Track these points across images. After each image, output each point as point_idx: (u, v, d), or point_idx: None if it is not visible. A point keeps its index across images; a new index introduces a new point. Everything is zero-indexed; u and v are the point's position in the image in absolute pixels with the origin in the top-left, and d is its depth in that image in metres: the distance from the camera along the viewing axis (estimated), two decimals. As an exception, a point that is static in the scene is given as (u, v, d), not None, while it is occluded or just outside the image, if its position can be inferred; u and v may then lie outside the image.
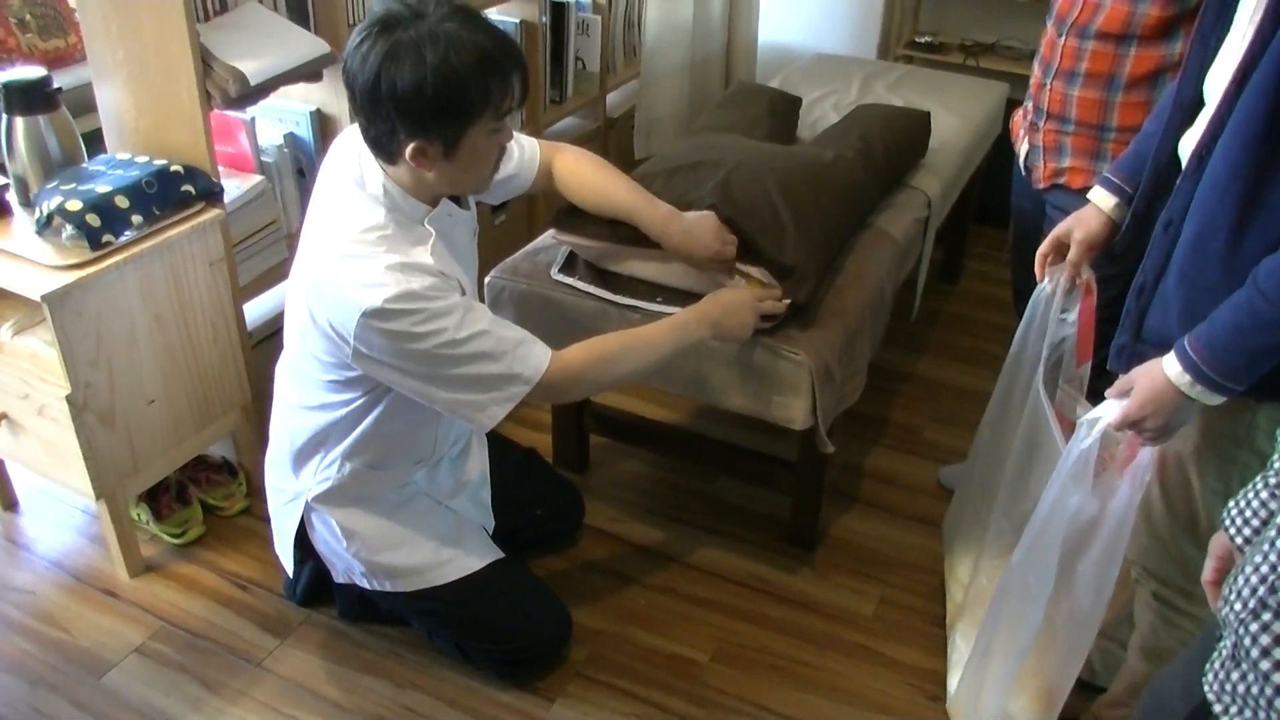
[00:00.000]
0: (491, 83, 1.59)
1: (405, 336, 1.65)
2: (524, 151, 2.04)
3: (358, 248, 1.66)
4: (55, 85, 2.13)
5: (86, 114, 2.32)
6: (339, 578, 2.09)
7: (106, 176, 2.09)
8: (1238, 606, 1.04)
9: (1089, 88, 2.03)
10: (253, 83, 2.18)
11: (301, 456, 1.98)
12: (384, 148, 1.66)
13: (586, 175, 2.08)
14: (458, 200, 1.84)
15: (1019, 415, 1.98)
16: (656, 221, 2.03)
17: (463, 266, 1.82)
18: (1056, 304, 1.92)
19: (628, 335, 1.89)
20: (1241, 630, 1.03)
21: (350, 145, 1.77)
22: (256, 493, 2.48)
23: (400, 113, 1.57)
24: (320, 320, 1.73)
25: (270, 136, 2.48)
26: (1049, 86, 2.09)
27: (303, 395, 1.93)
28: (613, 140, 3.68)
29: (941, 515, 2.56)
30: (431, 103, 1.56)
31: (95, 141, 2.31)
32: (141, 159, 2.17)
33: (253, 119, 2.37)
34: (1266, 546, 1.02)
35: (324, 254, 1.71)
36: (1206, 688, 1.10)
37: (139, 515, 2.42)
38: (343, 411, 1.88)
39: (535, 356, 1.76)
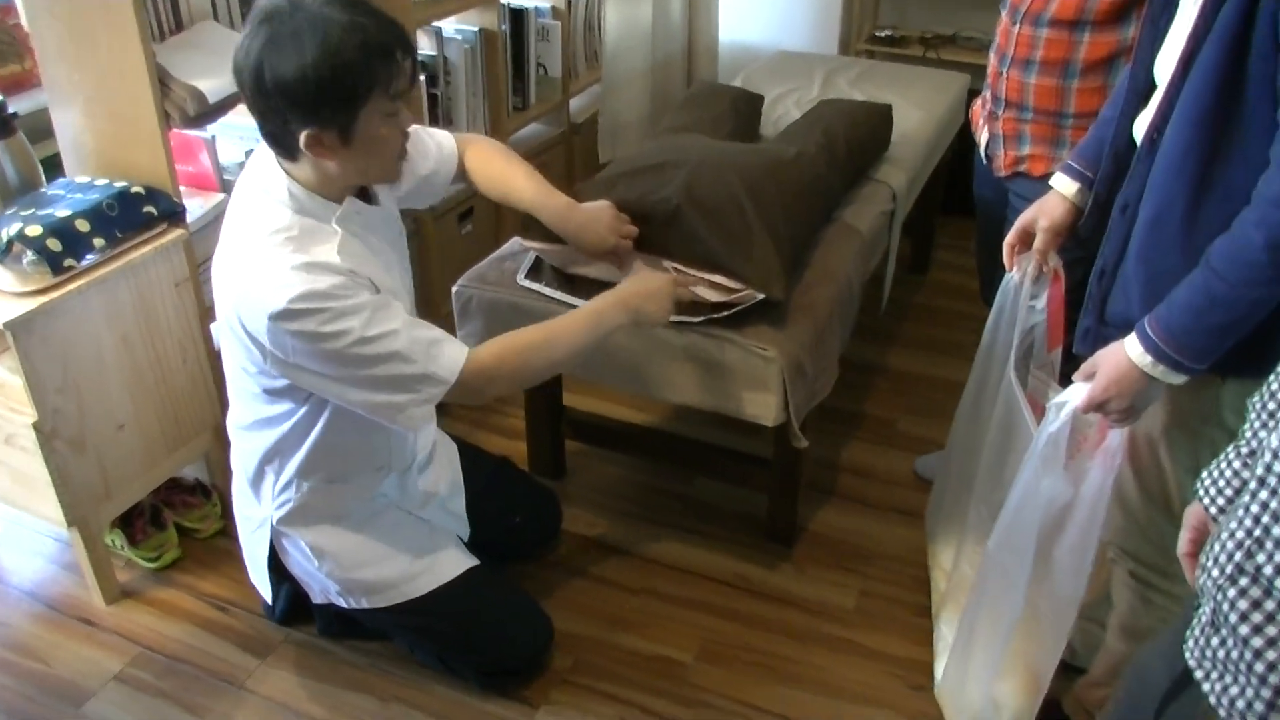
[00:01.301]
0: (375, 63, 1.58)
1: (314, 337, 1.64)
2: (441, 148, 2.04)
3: (265, 250, 1.65)
4: (11, 110, 2.11)
5: (44, 139, 2.30)
6: (316, 598, 2.08)
7: (66, 200, 2.08)
8: (1215, 573, 1.05)
9: (1045, 75, 2.04)
10: (211, 101, 2.17)
11: (257, 479, 1.97)
12: (281, 142, 1.65)
13: (490, 168, 2.08)
14: (367, 197, 1.82)
15: (993, 403, 1.99)
16: (555, 214, 2.03)
17: (382, 267, 1.80)
18: (1025, 292, 1.93)
19: (544, 327, 1.87)
20: (1220, 596, 1.04)
21: (259, 157, 1.76)
22: (231, 514, 2.46)
23: (288, 103, 1.57)
24: (237, 329, 1.72)
25: (232, 154, 2.47)
26: (1006, 75, 2.11)
27: (244, 414, 1.92)
28: (578, 145, 3.68)
29: (919, 505, 2.57)
30: (316, 89, 1.55)
31: (54, 166, 2.29)
32: (101, 182, 2.15)
33: (213, 137, 2.36)
34: (1241, 513, 1.03)
35: (235, 261, 1.70)
36: (1187, 654, 1.11)
37: (113, 541, 2.40)
38: (284, 427, 1.86)
39: (449, 356, 1.74)
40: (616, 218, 2.05)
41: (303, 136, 1.60)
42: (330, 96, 1.57)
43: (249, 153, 2.44)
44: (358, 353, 1.67)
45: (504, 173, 2.07)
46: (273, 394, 1.83)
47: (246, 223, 1.72)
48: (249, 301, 1.66)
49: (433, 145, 2.02)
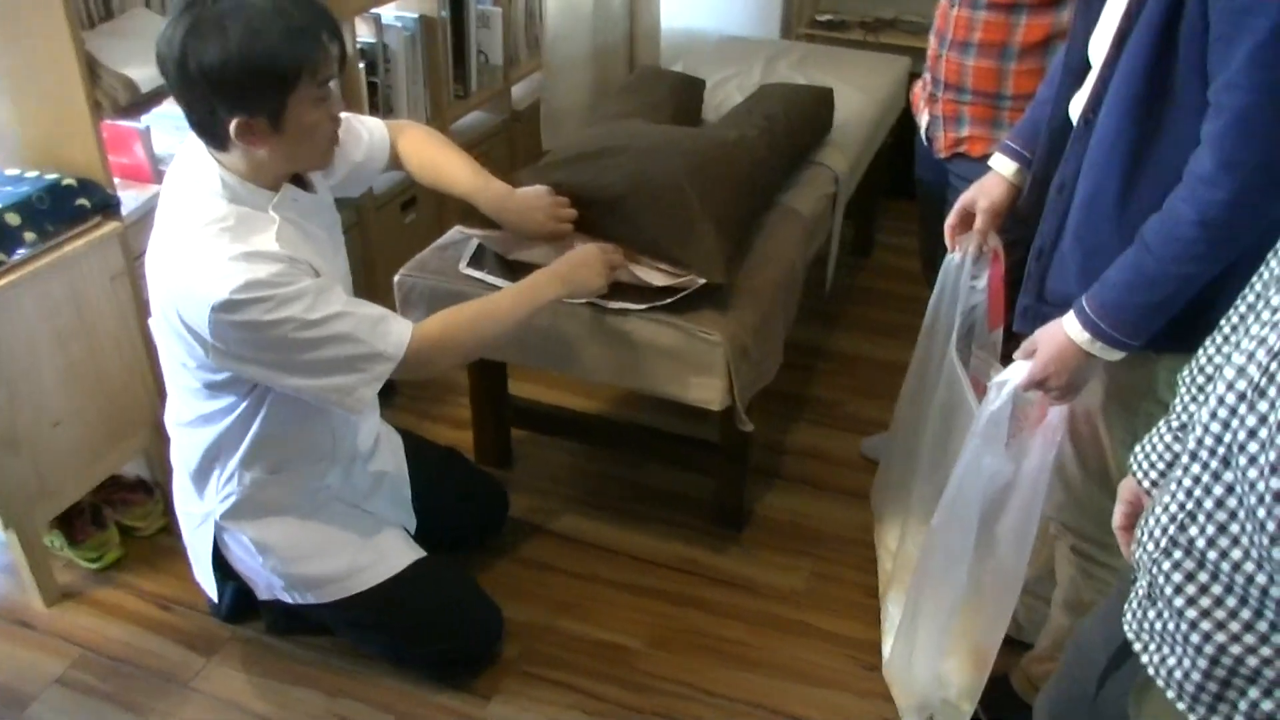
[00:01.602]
0: (300, 47, 1.56)
1: (257, 326, 1.62)
2: (373, 135, 2.02)
3: (201, 241, 1.63)
4: (-66, 102, 2.06)
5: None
6: (262, 595, 2.05)
7: (-5, 194, 2.03)
8: (1150, 547, 1.06)
9: (983, 57, 2.06)
10: (143, 90, 2.13)
11: (199, 476, 1.94)
12: (210, 130, 1.63)
13: (425, 155, 2.07)
14: (302, 184, 1.80)
15: (935, 383, 2.01)
16: (492, 200, 2.03)
17: (320, 253, 1.78)
18: (966, 272, 1.95)
19: (483, 301, 1.89)
20: (1155, 569, 1.05)
21: (189, 148, 1.73)
22: (173, 511, 2.43)
23: (214, 90, 1.54)
24: (175, 323, 1.70)
25: (167, 144, 2.41)
26: (944, 57, 2.12)
27: (183, 411, 1.89)
28: (520, 132, 3.66)
29: (866, 487, 2.59)
30: (241, 75, 1.53)
31: (-19, 159, 2.23)
32: (31, 174, 2.10)
33: (147, 127, 2.31)
34: (1174, 486, 1.04)
35: (170, 254, 1.68)
36: (1126, 627, 1.13)
37: (52, 541, 2.35)
38: (226, 421, 1.84)
39: (395, 333, 1.75)
40: (554, 202, 2.06)
41: (232, 125, 1.58)
42: (257, 82, 1.55)
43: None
44: (303, 337, 1.65)
45: (437, 159, 2.06)
46: (213, 388, 1.80)
47: (180, 215, 1.69)
48: (188, 295, 1.64)
49: (364, 132, 1.99)
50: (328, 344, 1.68)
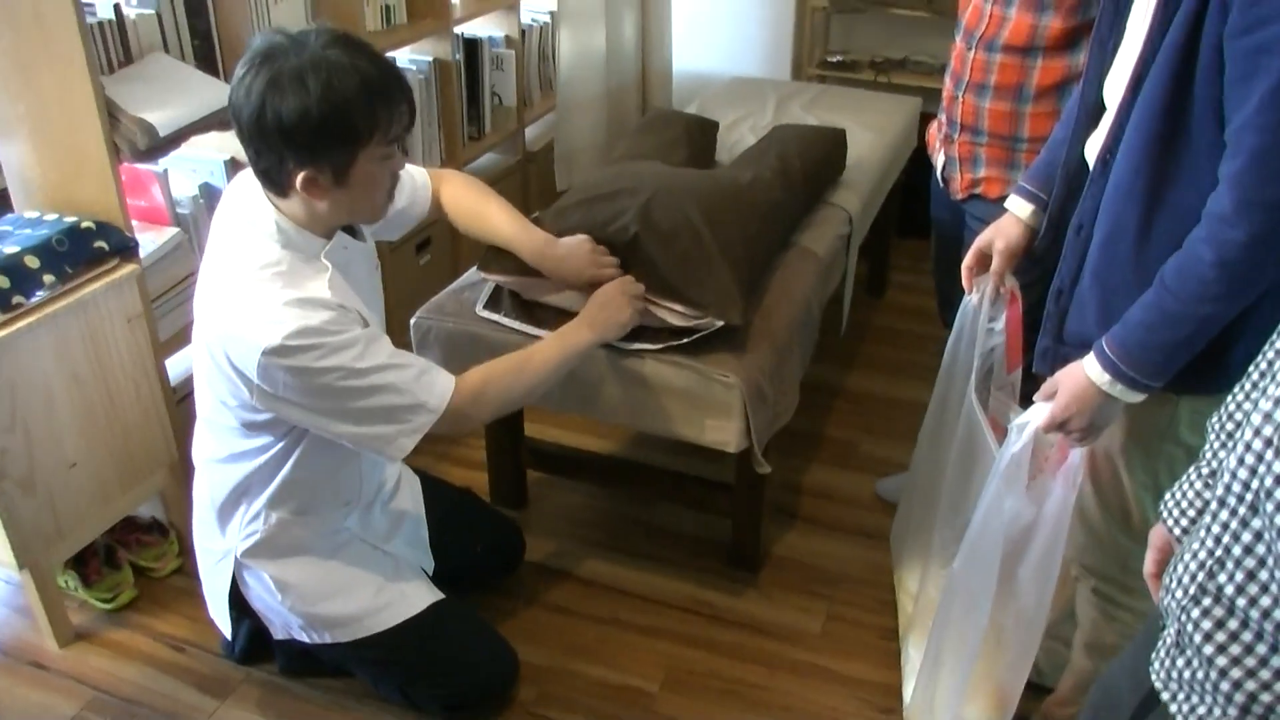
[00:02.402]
0: (377, 107, 1.59)
1: (307, 372, 1.63)
2: (417, 182, 2.05)
3: (255, 285, 1.64)
4: (-45, 146, 2.08)
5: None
6: (278, 634, 2.05)
7: (14, 236, 2.04)
8: (1179, 594, 1.06)
9: (999, 99, 2.07)
10: (162, 134, 2.14)
11: (225, 512, 1.94)
12: (274, 180, 1.65)
13: (467, 203, 2.10)
14: (353, 232, 1.82)
15: (954, 426, 2.00)
16: (534, 249, 2.06)
17: (364, 299, 1.80)
18: (984, 314, 1.95)
19: (519, 355, 1.89)
20: (1184, 617, 1.04)
21: (243, 186, 1.75)
22: (188, 551, 2.42)
23: (287, 142, 1.56)
24: (222, 362, 1.70)
25: (184, 188, 2.44)
26: (961, 99, 2.13)
27: (216, 448, 1.89)
28: (533, 173, 3.68)
29: (882, 527, 2.57)
30: (317, 130, 1.55)
31: (1, 201, 2.25)
32: (50, 217, 2.12)
33: (165, 170, 2.33)
34: (1203, 533, 1.03)
35: (222, 294, 1.69)
36: (1153, 676, 1.11)
37: (66, 582, 2.35)
38: (259, 460, 1.85)
39: (439, 385, 1.76)
40: (595, 250, 2.07)
41: (299, 177, 1.60)
42: (330, 140, 1.57)
43: (202, 186, 2.42)
44: (350, 385, 1.66)
45: (478, 207, 2.09)
46: (251, 428, 1.81)
47: (234, 256, 1.70)
48: (239, 338, 1.65)
49: (408, 180, 2.02)
50: (373, 393, 1.69)
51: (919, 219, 2.49)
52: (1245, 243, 1.30)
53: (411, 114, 1.67)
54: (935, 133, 2.30)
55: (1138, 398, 1.44)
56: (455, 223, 2.12)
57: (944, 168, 2.24)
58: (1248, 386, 1.14)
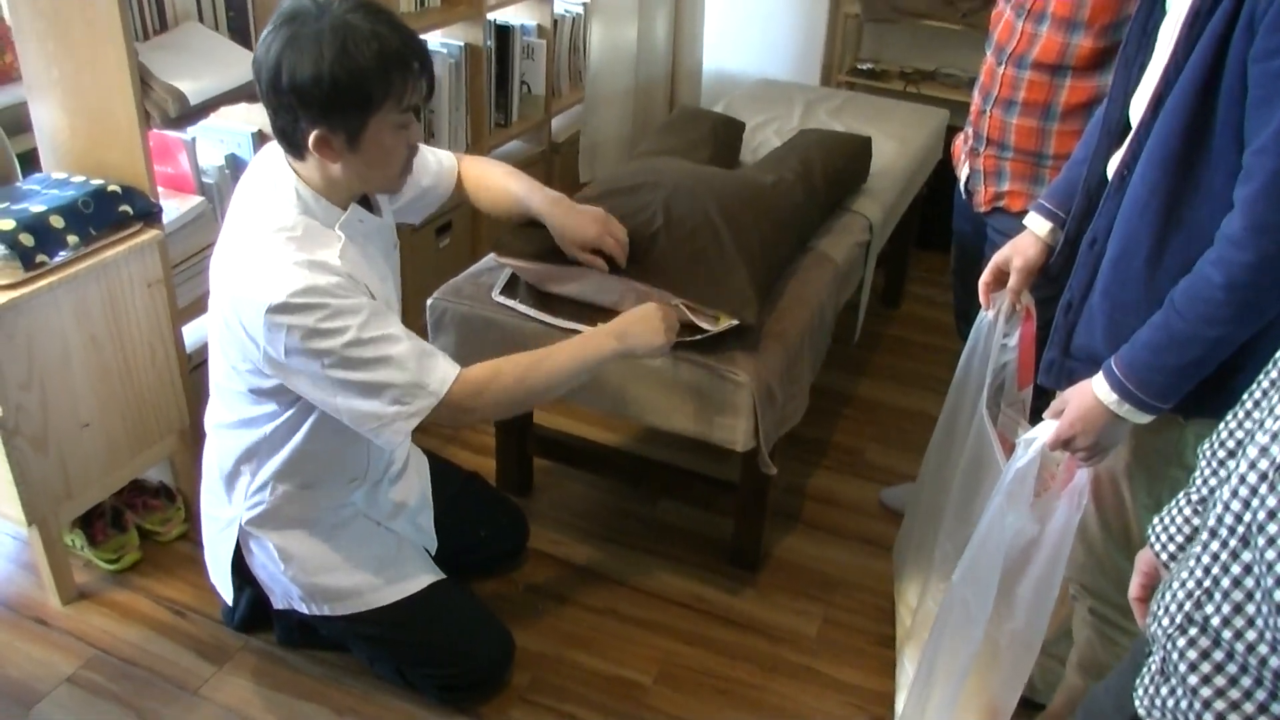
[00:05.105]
0: (391, 74, 1.60)
1: (310, 333, 1.64)
2: (442, 164, 2.07)
3: (267, 246, 1.66)
4: (-13, 104, 2.10)
5: (22, 133, 2.28)
6: (278, 603, 2.06)
7: (41, 196, 2.06)
8: (1165, 622, 1.06)
9: (1026, 116, 2.07)
10: (192, 103, 2.16)
11: (231, 478, 1.96)
12: (289, 138, 1.66)
13: (483, 177, 2.13)
14: (369, 206, 1.83)
15: (964, 440, 2.00)
16: (545, 202, 2.07)
17: (377, 276, 1.81)
18: (998, 330, 1.95)
19: (535, 354, 1.86)
20: (1169, 645, 1.05)
21: (267, 157, 1.78)
22: (194, 518, 2.44)
23: (301, 102, 1.58)
24: (233, 323, 1.72)
25: (211, 157, 2.45)
26: (988, 114, 2.13)
27: (225, 413, 1.91)
28: (558, 164, 3.69)
29: (884, 536, 2.58)
30: (330, 92, 1.57)
31: (31, 161, 2.27)
32: (78, 179, 2.14)
33: (193, 139, 2.35)
34: (1192, 562, 1.03)
35: (236, 255, 1.71)
36: (1137, 703, 1.12)
37: (73, 541, 2.37)
38: (266, 429, 1.86)
39: (441, 370, 1.75)
40: (608, 219, 2.07)
41: (311, 136, 1.62)
42: (343, 100, 1.59)
43: (228, 156, 2.43)
44: (352, 354, 1.67)
45: (496, 179, 2.12)
46: (260, 394, 1.82)
47: (250, 218, 1.72)
48: (247, 294, 1.66)
49: (433, 161, 2.05)
50: (374, 366, 1.68)
51: (939, 231, 2.49)
52: (1254, 266, 1.29)
53: (430, 85, 1.69)
54: (961, 145, 2.31)
55: (1145, 418, 1.44)
56: (477, 203, 2.13)
57: (968, 180, 2.25)
58: (1240, 414, 1.13)
